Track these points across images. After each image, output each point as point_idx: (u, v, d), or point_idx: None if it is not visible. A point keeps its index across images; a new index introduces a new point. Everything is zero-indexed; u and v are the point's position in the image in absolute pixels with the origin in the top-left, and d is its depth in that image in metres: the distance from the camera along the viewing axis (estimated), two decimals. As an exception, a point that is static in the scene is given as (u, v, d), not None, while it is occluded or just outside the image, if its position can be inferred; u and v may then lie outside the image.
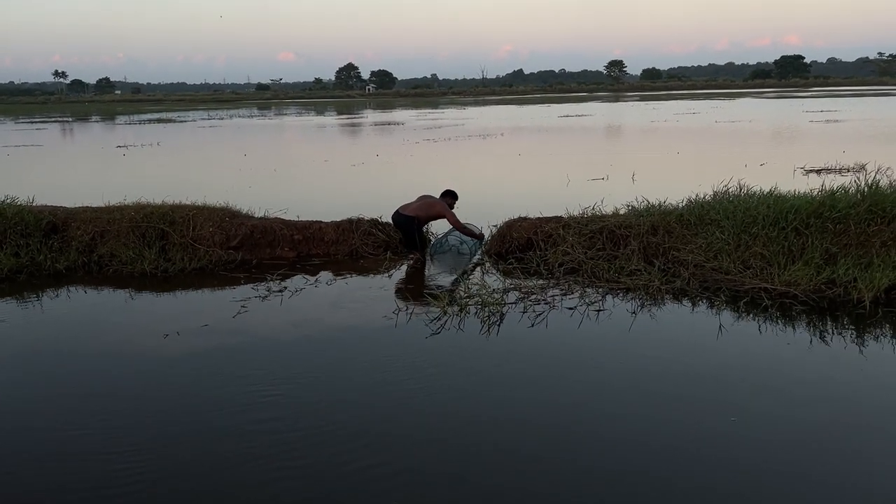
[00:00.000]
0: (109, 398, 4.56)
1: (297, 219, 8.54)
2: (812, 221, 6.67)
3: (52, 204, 8.86)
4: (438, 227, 8.57)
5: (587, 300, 6.18)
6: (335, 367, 4.99)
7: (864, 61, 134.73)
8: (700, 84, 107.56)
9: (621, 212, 7.80)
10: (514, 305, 6.10)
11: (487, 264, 7.60)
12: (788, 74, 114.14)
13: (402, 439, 3.96)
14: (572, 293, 6.39)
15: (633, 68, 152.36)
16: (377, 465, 3.68)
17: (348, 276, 7.39)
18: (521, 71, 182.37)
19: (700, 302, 6.11)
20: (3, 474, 3.70)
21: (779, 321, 5.64)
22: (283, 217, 8.55)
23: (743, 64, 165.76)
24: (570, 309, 6.01)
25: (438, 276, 7.47)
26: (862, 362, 4.93)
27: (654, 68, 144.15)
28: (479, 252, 8.05)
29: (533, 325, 5.67)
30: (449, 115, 42.16)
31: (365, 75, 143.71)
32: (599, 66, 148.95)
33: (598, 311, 5.96)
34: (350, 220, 8.36)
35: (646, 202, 7.82)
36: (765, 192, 7.45)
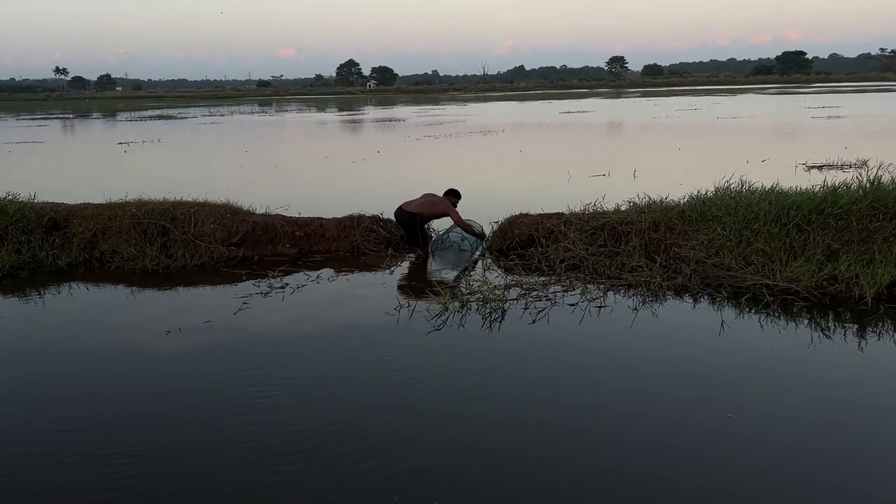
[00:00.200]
0: (110, 396, 4.56)
1: (298, 215, 8.55)
2: (814, 217, 6.65)
3: (53, 201, 8.85)
4: (439, 224, 8.57)
5: (588, 297, 6.18)
6: (336, 366, 4.99)
7: (865, 57, 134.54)
8: (701, 80, 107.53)
9: (623, 208, 7.79)
10: (515, 302, 6.10)
11: (489, 261, 7.60)
12: (790, 70, 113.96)
13: (403, 438, 3.95)
14: (574, 290, 6.38)
15: (635, 64, 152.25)
16: (378, 464, 3.67)
17: (349, 272, 7.40)
18: (522, 67, 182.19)
19: (701, 298, 6.11)
20: (2, 475, 3.69)
21: (780, 318, 5.63)
22: (284, 214, 8.55)
23: (744, 60, 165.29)
24: (572, 305, 6.01)
25: (440, 272, 7.47)
26: (863, 359, 4.92)
27: (655, 64, 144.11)
28: (481, 249, 8.04)
29: (534, 322, 5.67)
30: (450, 112, 42.10)
31: (366, 72, 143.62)
32: (601, 62, 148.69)
33: (600, 307, 5.96)
34: (351, 217, 8.36)
35: (647, 198, 7.81)
36: (766, 189, 7.44)
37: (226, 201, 8.56)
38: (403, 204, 8.17)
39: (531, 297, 6.20)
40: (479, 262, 7.56)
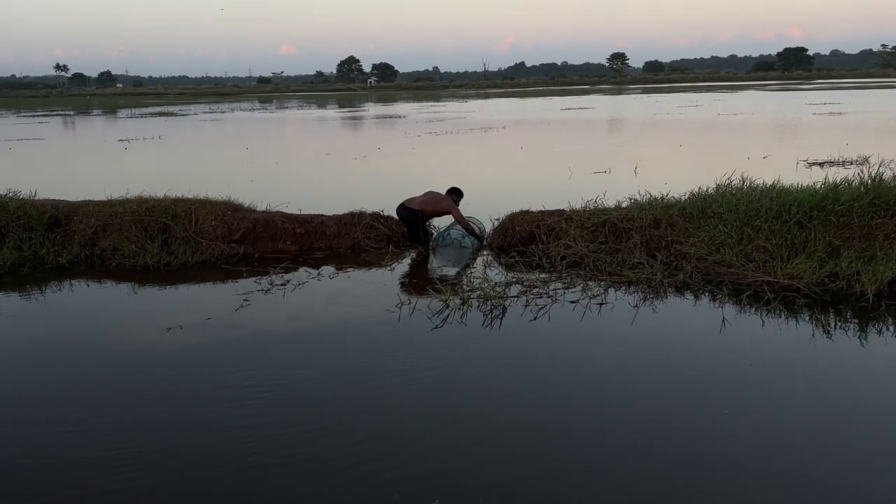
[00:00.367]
0: (110, 396, 4.56)
1: (299, 212, 8.54)
2: (815, 214, 6.65)
3: (54, 198, 8.86)
4: (439, 221, 8.57)
5: (589, 294, 6.18)
6: (337, 364, 4.98)
7: (867, 53, 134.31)
8: (703, 76, 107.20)
9: (624, 205, 7.79)
10: (516, 299, 6.09)
11: (490, 258, 7.60)
12: (791, 67, 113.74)
13: (404, 438, 3.94)
14: (574, 287, 6.38)
15: (636, 61, 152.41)
16: (378, 464, 3.66)
17: (350, 269, 7.40)
18: (523, 63, 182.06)
19: (702, 295, 6.10)
20: (3, 475, 3.68)
21: (781, 314, 5.63)
22: (285, 211, 8.55)
23: (746, 56, 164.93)
24: (573, 302, 6.01)
25: (441, 269, 7.47)
26: (865, 356, 4.92)
27: (656, 61, 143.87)
28: (481, 247, 8.04)
29: (535, 319, 5.67)
30: (451, 108, 42.06)
31: (366, 68, 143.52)
32: (602, 58, 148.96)
33: (601, 304, 5.96)
34: (352, 214, 8.36)
35: (648, 195, 7.80)
36: (768, 185, 7.43)
37: (227, 198, 8.55)
38: (406, 201, 8.17)
39: (532, 294, 6.20)
40: (480, 260, 7.56)
